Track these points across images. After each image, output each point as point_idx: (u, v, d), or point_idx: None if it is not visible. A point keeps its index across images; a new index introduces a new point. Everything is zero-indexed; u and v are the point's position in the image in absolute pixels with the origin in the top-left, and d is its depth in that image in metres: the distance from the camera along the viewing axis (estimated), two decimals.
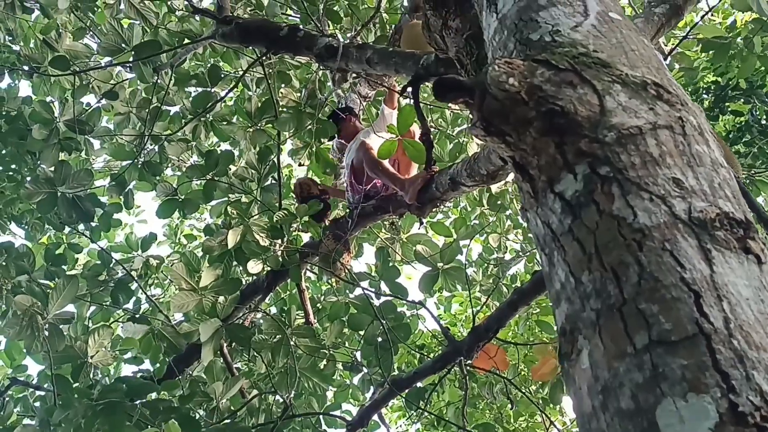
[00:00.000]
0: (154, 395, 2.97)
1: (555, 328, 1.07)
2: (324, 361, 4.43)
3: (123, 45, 4.50)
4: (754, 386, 0.75)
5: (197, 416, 2.48)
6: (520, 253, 7.36)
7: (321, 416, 5.30)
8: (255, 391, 4.02)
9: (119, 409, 2.26)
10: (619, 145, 1.03)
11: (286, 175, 7.53)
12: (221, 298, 4.08)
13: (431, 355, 6.06)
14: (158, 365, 3.71)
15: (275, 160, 4.98)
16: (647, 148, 1.02)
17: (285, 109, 4.82)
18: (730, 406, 0.74)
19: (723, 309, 0.82)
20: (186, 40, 4.83)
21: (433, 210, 4.39)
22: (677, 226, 0.91)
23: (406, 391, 3.27)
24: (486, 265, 7.16)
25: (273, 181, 5.07)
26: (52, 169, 4.70)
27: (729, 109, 5.52)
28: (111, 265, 5.32)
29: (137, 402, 2.38)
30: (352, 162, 4.59)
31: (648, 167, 0.99)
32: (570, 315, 0.97)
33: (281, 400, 4.27)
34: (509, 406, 6.05)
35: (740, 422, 0.72)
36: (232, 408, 3.45)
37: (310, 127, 4.76)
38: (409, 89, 2.86)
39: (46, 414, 2.37)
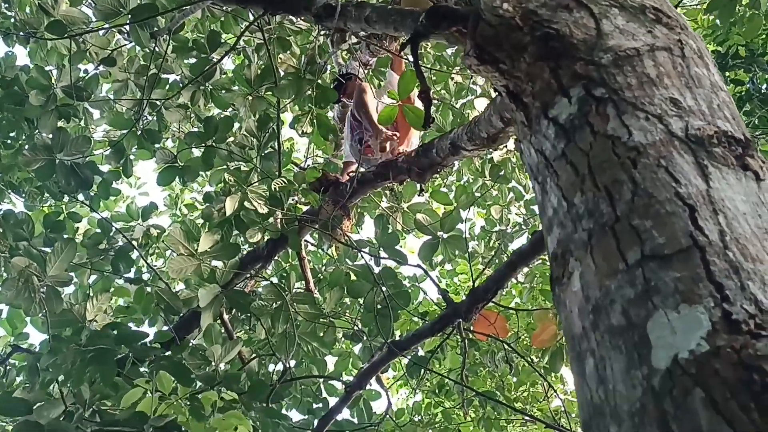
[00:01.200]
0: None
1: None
2: (324, 329, 4.42)
3: (120, 9, 4.44)
4: (748, 295, 0.72)
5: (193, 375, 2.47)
6: (522, 226, 7.32)
7: (321, 384, 5.33)
8: (254, 357, 4.02)
9: (109, 356, 2.25)
10: (615, 66, 1.00)
11: (287, 147, 7.49)
12: (220, 264, 4.06)
13: None
14: (157, 328, 3.69)
15: (275, 127, 4.93)
16: (644, 69, 0.99)
17: (284, 76, 4.77)
18: (723, 314, 0.71)
19: (719, 222, 0.79)
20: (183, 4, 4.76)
21: (434, 176, 4.36)
22: (673, 144, 0.88)
23: (405, 352, 3.26)
24: (488, 237, 7.13)
25: (273, 150, 5.04)
26: (50, 136, 4.66)
27: (729, 79, 5.43)
28: (111, 234, 5.31)
29: (128, 351, 2.37)
30: (352, 110, 4.56)
31: (645, 88, 0.96)
32: (562, 239, 0.95)
33: (281, 367, 4.28)
34: (510, 374, 6.07)
35: (733, 330, 0.70)
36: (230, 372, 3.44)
37: (310, 93, 4.72)
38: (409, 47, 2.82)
39: (33, 360, 2.36)
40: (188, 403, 2.18)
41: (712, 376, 0.67)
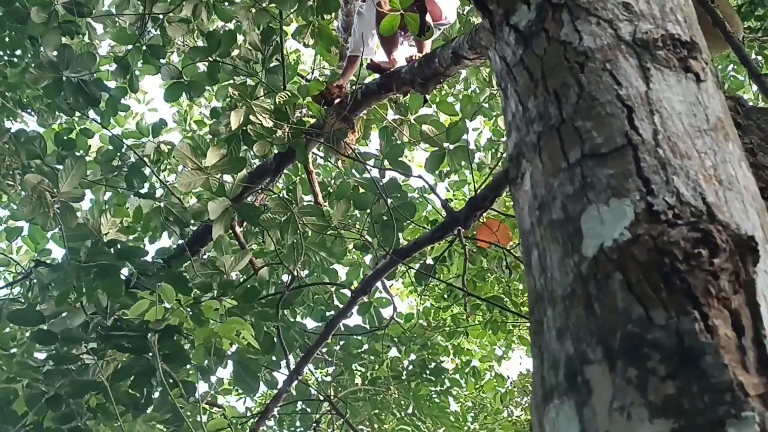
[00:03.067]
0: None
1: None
2: (332, 239, 4.55)
3: None
4: (672, 189, 0.78)
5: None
6: None
7: (333, 292, 5.52)
8: (266, 268, 4.17)
9: (113, 271, 2.38)
10: None
11: (293, 59, 7.42)
12: (229, 178, 4.16)
13: None
14: (172, 242, 3.81)
15: (278, 40, 4.90)
16: None
17: None
18: (646, 206, 0.78)
19: (653, 122, 0.84)
20: None
21: (437, 86, 4.35)
22: (620, 48, 0.92)
23: (407, 259, 3.37)
24: (495, 148, 7.12)
25: (278, 63, 5.02)
26: (55, 53, 4.68)
27: None
28: (123, 150, 5.41)
29: (130, 267, 2.50)
30: None
31: None
32: (517, 142, 1.00)
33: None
34: (516, 278, 6.22)
35: (653, 220, 0.76)
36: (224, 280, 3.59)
37: (311, 3, 4.66)
38: None
39: (45, 277, 2.50)
40: (190, 311, 2.31)
41: (630, 260, 0.75)
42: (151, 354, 2.07)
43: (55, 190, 3.34)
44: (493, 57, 1.15)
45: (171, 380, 2.23)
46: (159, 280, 2.30)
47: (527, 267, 0.95)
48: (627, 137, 0.84)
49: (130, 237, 4.30)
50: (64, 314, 3.06)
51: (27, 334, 3.49)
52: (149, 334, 2.05)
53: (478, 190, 3.88)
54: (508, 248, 4.13)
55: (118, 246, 2.52)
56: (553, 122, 0.92)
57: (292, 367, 4.01)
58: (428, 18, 4.08)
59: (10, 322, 2.34)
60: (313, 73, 7.26)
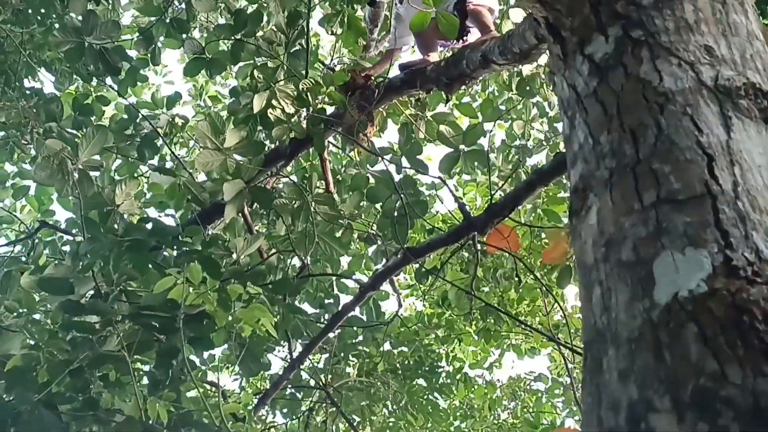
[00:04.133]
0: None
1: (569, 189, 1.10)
2: (342, 229, 4.55)
3: None
4: (751, 244, 0.78)
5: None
6: (543, 143, 7.29)
7: (334, 281, 5.53)
8: (274, 252, 4.17)
9: (144, 246, 2.38)
10: (656, 9, 1.02)
11: (314, 44, 7.38)
12: (245, 160, 4.14)
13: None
14: (181, 214, 3.81)
15: (304, 25, 4.88)
16: (683, 13, 1.01)
17: None
18: (724, 260, 0.78)
19: (734, 173, 0.84)
20: None
21: (462, 88, 4.34)
22: (701, 92, 0.92)
23: (420, 259, 3.38)
24: (508, 151, 7.11)
25: (300, 47, 5.00)
26: (80, 18, 4.65)
27: None
28: (138, 120, 5.39)
29: (161, 243, 2.50)
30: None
31: (681, 33, 0.99)
32: (584, 174, 1.00)
33: (298, 263, 4.44)
34: (513, 290, 6.24)
35: (732, 275, 0.76)
36: (251, 265, 3.59)
37: None
38: None
39: (75, 246, 2.49)
40: (216, 293, 2.32)
41: (706, 313, 0.75)
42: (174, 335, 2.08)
43: (74, 158, 3.33)
44: (560, 83, 1.15)
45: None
46: (189, 260, 2.30)
47: (585, 301, 0.95)
48: (706, 186, 0.84)
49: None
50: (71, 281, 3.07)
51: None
52: (177, 315, 2.06)
53: (494, 194, 3.88)
54: (519, 255, 4.13)
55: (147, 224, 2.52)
56: (628, 161, 0.92)
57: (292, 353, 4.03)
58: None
59: (41, 290, 2.34)
60: (331, 60, 7.23)
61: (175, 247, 2.48)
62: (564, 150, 3.62)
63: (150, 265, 2.42)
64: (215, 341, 2.35)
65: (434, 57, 4.49)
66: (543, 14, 1.15)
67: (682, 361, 0.74)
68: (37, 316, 3.19)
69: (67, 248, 5.86)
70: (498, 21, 4.77)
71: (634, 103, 0.95)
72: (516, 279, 4.45)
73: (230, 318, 2.35)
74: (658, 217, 0.85)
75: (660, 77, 0.95)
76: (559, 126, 7.14)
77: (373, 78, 4.48)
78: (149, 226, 2.51)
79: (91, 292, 2.58)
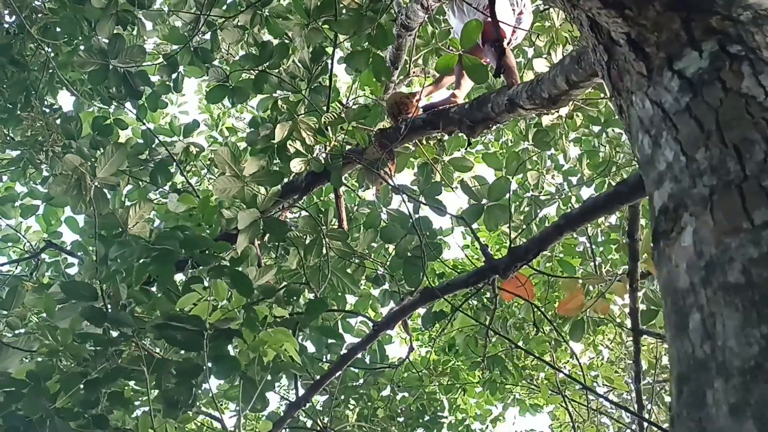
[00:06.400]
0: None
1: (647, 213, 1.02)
2: (354, 267, 4.47)
3: None
4: None
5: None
6: (555, 196, 7.25)
7: (339, 321, 5.40)
8: (285, 285, 4.08)
9: (172, 258, 2.29)
10: (755, 25, 0.96)
11: (335, 78, 7.42)
12: (262, 190, 4.09)
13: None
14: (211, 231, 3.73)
15: (328, 61, 4.89)
16: None
17: (345, 11, 4.70)
18: None
19: None
20: None
21: (484, 131, 4.31)
22: None
23: (437, 300, 3.28)
24: (519, 201, 7.07)
25: (321, 83, 5.00)
26: (106, 41, 4.66)
27: None
28: (153, 146, 5.36)
29: (190, 256, 2.42)
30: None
31: None
32: (675, 193, 0.93)
33: (306, 296, 4.34)
34: (521, 341, 6.10)
35: None
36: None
37: (369, 32, 4.64)
38: None
39: (105, 248, 2.41)
40: (243, 312, 2.22)
41: None
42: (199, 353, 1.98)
43: (91, 175, 3.27)
44: (640, 101, 1.09)
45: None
46: (218, 275, 2.22)
47: (678, 329, 0.86)
48: None
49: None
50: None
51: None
52: (205, 330, 1.96)
53: (512, 242, 3.80)
54: (536, 304, 4.04)
55: (184, 233, 2.43)
56: (732, 178, 0.85)
57: (292, 389, 3.89)
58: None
59: (64, 294, 2.26)
60: (347, 99, 7.26)
61: (204, 262, 2.39)
62: (591, 197, 3.52)
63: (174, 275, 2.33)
64: (240, 361, 2.24)
65: (462, 95, 4.48)
66: (624, 30, 1.10)
67: None
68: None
69: (70, 270, 5.77)
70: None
71: (737, 119, 0.89)
72: (533, 328, 4.32)
73: (254, 339, 2.25)
74: None
75: (765, 92, 0.89)
76: (574, 179, 7.12)
77: (418, 106, 4.45)
78: (182, 233, 2.42)
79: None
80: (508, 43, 4.16)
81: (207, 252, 2.46)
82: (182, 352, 2.04)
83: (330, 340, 5.49)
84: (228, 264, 2.38)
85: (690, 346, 0.82)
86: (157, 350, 2.06)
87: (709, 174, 0.88)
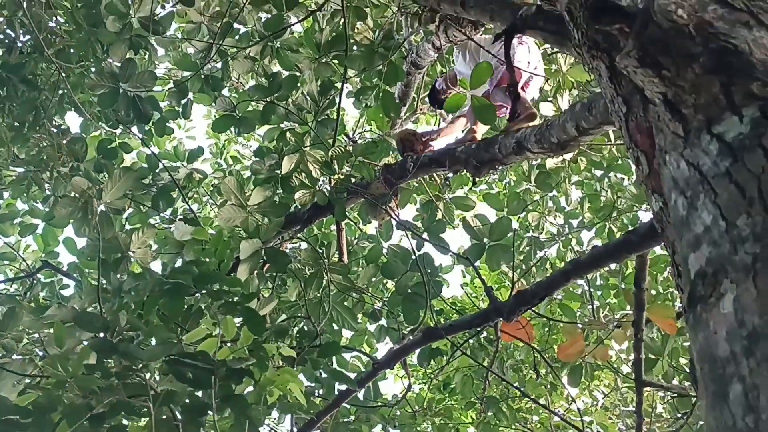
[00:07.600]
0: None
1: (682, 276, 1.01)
2: (353, 302, 4.44)
3: None
4: None
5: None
6: (556, 237, 7.26)
7: (335, 358, 5.34)
8: (282, 316, 4.04)
9: (184, 292, 2.26)
10: None
11: (343, 112, 7.47)
12: (265, 220, 4.08)
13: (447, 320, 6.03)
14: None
15: (336, 96, 4.92)
16: None
17: (356, 47, 4.76)
18: None
19: None
20: None
21: (490, 172, 4.32)
22: None
23: (439, 341, 3.25)
24: (520, 241, 7.06)
25: (328, 117, 5.02)
26: (119, 64, 4.69)
27: None
28: (157, 171, 5.36)
29: (201, 290, 2.39)
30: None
31: None
32: (713, 258, 0.92)
33: (304, 329, 4.30)
34: (516, 383, 6.04)
35: None
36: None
37: (379, 68, 4.69)
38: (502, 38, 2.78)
39: (118, 282, 2.38)
40: (252, 351, 2.19)
41: None
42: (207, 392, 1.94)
43: (98, 198, 3.26)
44: (674, 161, 1.09)
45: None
46: (229, 312, 2.18)
47: (717, 398, 0.85)
48: None
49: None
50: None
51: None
52: (217, 368, 1.92)
53: (517, 280, 3.79)
54: (538, 348, 4.00)
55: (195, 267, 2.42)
56: None
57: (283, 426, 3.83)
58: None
59: (77, 326, 2.22)
60: (353, 133, 7.30)
61: (216, 297, 2.37)
62: (599, 245, 3.52)
63: (184, 310, 2.29)
64: (250, 400, 2.20)
65: (481, 131, 4.50)
66: (661, 90, 1.10)
67: None
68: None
69: (65, 292, 5.71)
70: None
71: None
72: (530, 370, 4.28)
73: (262, 379, 2.22)
74: None
75: None
76: (575, 222, 7.13)
77: (430, 145, 4.48)
78: (196, 268, 2.40)
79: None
80: (522, 89, 4.21)
81: (218, 288, 2.43)
82: (189, 388, 2.00)
83: (324, 375, 5.44)
84: (238, 299, 2.35)
85: (731, 417, 0.80)
86: (155, 383, 2.02)
87: (752, 242, 0.87)
